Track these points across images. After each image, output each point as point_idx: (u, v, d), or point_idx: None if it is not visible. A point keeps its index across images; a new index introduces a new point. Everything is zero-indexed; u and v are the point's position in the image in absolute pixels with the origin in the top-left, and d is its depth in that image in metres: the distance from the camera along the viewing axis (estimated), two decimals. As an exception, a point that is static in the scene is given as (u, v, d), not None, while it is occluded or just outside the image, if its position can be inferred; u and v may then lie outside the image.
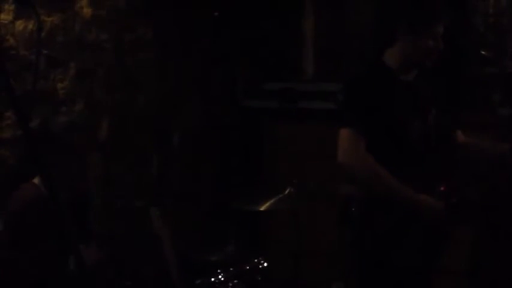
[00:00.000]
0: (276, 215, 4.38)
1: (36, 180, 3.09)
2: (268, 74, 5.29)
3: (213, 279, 3.48)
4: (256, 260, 3.65)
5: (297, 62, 5.34)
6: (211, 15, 5.01)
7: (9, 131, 3.53)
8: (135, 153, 4.46)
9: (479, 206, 4.12)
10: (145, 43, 4.52)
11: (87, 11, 4.05)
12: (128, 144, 4.39)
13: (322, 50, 5.32)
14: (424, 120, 3.15)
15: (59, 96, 3.90)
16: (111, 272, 3.70)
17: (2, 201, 3.19)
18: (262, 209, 3.74)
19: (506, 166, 3.49)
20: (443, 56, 3.19)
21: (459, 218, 3.24)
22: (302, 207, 3.74)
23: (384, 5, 3.96)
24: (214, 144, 5.20)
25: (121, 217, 4.15)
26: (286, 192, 3.76)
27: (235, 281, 3.51)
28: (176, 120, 4.83)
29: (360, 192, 3.18)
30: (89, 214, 3.50)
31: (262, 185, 5.00)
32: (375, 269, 3.12)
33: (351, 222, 3.20)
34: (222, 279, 3.49)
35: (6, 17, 3.54)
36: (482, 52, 4.54)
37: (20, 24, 3.60)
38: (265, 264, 3.64)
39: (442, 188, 3.12)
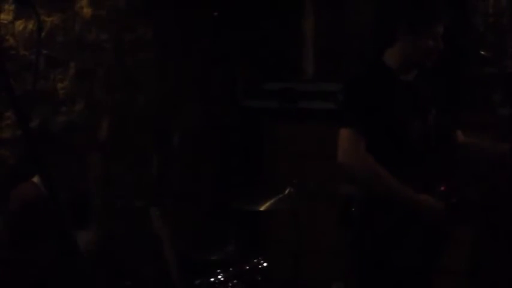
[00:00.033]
0: (276, 215, 4.37)
1: (35, 179, 3.08)
2: (268, 74, 5.29)
3: (212, 279, 3.48)
4: (256, 260, 3.65)
5: (297, 62, 5.34)
6: (211, 15, 5.01)
7: (9, 131, 3.53)
8: (135, 153, 4.46)
9: (479, 206, 4.12)
10: (146, 43, 4.52)
11: (87, 11, 4.05)
12: (128, 144, 4.39)
13: (322, 50, 5.32)
14: (424, 120, 3.15)
15: (58, 96, 3.90)
16: (111, 272, 3.70)
17: (1, 201, 3.19)
18: (262, 209, 3.74)
19: (506, 166, 3.49)
20: (443, 56, 3.19)
21: (459, 218, 3.24)
22: (302, 207, 3.74)
23: (383, 5, 3.96)
24: (214, 144, 5.20)
25: (121, 217, 4.15)
26: (286, 192, 3.76)
27: (235, 281, 3.50)
28: (176, 120, 4.83)
29: (360, 192, 3.18)
30: (89, 214, 3.50)
31: (262, 185, 4.99)
32: (375, 269, 3.12)
33: (351, 222, 3.20)
34: (222, 279, 3.49)
35: (6, 17, 3.54)
36: (482, 52, 4.55)
37: (20, 24, 3.60)
38: (265, 264, 3.64)
39: (442, 188, 3.12)
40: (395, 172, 3.03)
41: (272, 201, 3.75)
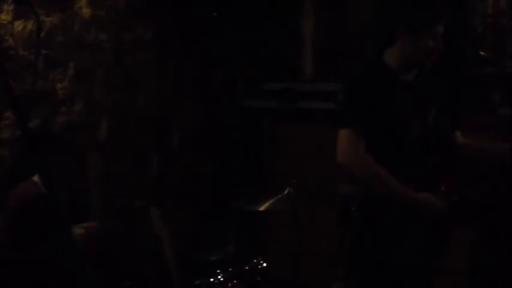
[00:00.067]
0: (276, 215, 4.38)
1: (35, 178, 3.08)
2: (268, 74, 5.29)
3: (212, 279, 3.48)
4: (255, 260, 3.65)
5: (296, 62, 5.35)
6: (211, 15, 5.01)
7: (8, 131, 3.53)
8: (135, 153, 4.46)
9: (479, 205, 4.12)
10: (145, 43, 4.52)
11: (86, 11, 4.05)
12: (127, 144, 4.39)
13: (321, 50, 5.32)
14: (424, 120, 3.14)
15: (58, 97, 3.90)
16: (111, 272, 3.70)
17: (1, 201, 3.18)
18: (262, 209, 3.74)
19: (506, 166, 3.49)
20: (443, 56, 3.19)
21: (460, 216, 3.23)
22: (302, 207, 3.74)
23: (383, 5, 3.95)
24: (214, 144, 5.20)
25: (121, 217, 4.14)
26: (286, 192, 3.76)
27: (235, 281, 3.51)
28: (176, 120, 4.83)
29: (359, 192, 3.17)
30: (89, 214, 3.50)
31: (262, 185, 5.00)
32: (375, 269, 3.12)
33: (351, 222, 3.19)
34: (222, 279, 3.49)
35: (5, 17, 3.54)
36: (482, 53, 4.55)
37: (19, 25, 3.60)
38: (265, 264, 3.64)
39: (442, 188, 3.12)
40: (395, 172, 3.02)
41: (272, 201, 3.75)
